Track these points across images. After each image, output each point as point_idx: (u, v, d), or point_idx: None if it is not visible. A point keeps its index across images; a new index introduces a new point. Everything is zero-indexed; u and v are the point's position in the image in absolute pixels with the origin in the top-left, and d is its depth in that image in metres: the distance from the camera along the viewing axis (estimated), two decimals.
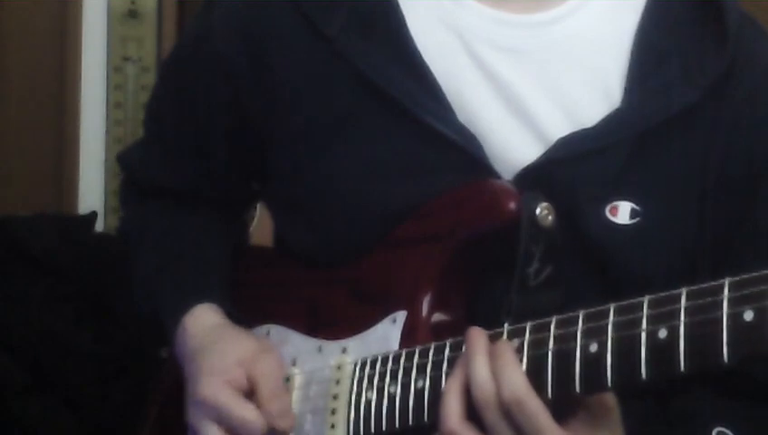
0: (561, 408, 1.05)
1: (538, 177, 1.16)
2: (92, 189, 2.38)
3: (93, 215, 2.17)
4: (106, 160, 2.38)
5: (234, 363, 1.19)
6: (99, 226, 2.19)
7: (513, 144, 1.18)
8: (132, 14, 2.36)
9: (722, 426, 1.15)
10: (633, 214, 1.17)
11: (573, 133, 1.17)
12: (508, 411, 1.03)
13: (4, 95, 2.36)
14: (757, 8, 1.32)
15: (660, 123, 1.17)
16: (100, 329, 1.95)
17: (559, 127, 1.18)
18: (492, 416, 1.03)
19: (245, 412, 1.16)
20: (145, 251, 1.38)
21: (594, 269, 1.17)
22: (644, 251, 1.17)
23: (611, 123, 1.17)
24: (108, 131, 2.38)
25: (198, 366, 1.21)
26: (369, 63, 1.20)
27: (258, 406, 1.17)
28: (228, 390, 1.17)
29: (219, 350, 1.22)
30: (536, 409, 1.02)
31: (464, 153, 1.17)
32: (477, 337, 1.07)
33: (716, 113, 1.19)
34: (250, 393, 1.18)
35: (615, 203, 1.16)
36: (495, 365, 1.04)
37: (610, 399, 1.06)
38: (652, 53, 1.20)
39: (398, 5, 1.22)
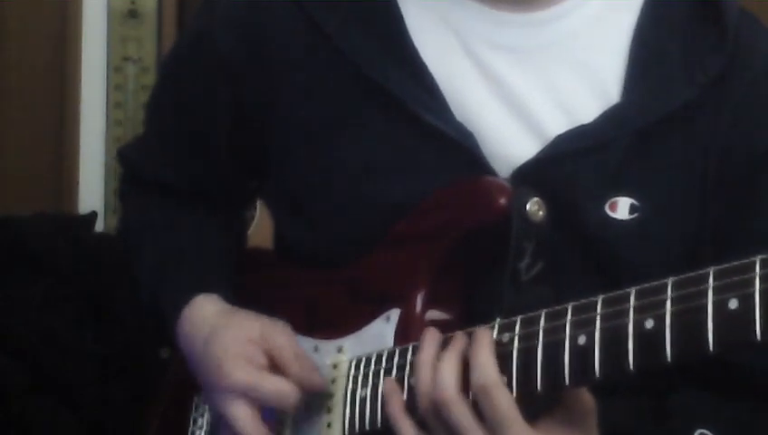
0: (536, 406, 1.05)
1: (536, 174, 1.16)
2: (92, 189, 2.38)
3: (93, 215, 2.17)
4: (106, 160, 2.38)
5: (247, 343, 1.20)
6: (99, 226, 2.19)
7: (511, 142, 1.18)
8: (132, 14, 2.36)
9: (704, 427, 1.15)
10: (632, 209, 1.17)
11: (571, 130, 1.17)
12: (475, 403, 1.04)
13: (4, 95, 2.36)
14: (760, 7, 1.31)
15: (660, 120, 1.17)
16: (100, 329, 1.95)
17: (556, 124, 1.18)
18: (453, 411, 1.04)
19: (276, 383, 1.18)
20: (145, 248, 1.38)
21: (594, 265, 1.17)
22: (644, 246, 1.17)
23: (610, 120, 1.17)
24: (108, 131, 2.38)
25: (215, 353, 1.22)
26: (368, 61, 1.20)
27: (284, 374, 1.18)
28: (252, 368, 1.18)
29: (230, 334, 1.22)
30: (505, 400, 1.03)
31: (461, 151, 1.17)
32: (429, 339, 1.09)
33: (716, 110, 1.19)
34: (270, 367, 1.19)
35: (614, 199, 1.17)
36: (471, 351, 1.05)
37: (589, 400, 1.06)
38: (651, 50, 1.20)
39: (396, 4, 1.22)
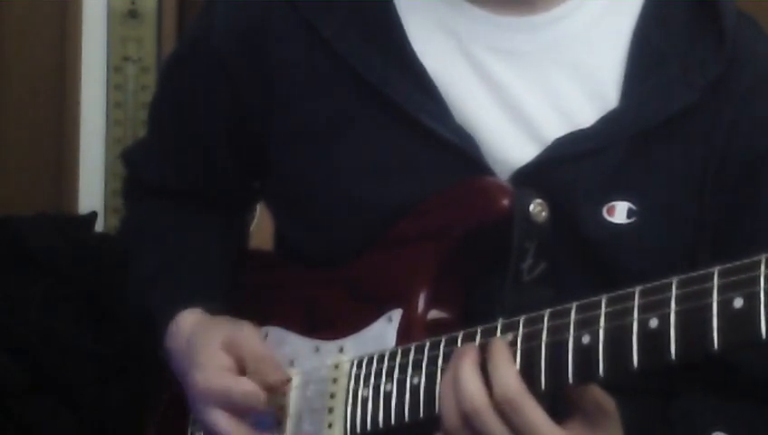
0: (559, 408, 1.05)
1: (534, 177, 1.16)
2: (92, 189, 2.38)
3: (93, 215, 2.16)
4: (106, 160, 2.37)
5: (216, 349, 1.21)
6: (99, 226, 2.18)
7: (510, 145, 1.18)
8: (132, 14, 2.35)
9: (719, 430, 1.15)
10: (630, 213, 1.17)
11: (570, 133, 1.18)
12: (502, 413, 1.03)
13: (4, 95, 2.35)
14: (757, 8, 1.32)
15: (658, 124, 1.17)
16: (100, 329, 1.95)
17: (555, 128, 1.18)
18: (485, 420, 1.04)
19: (242, 386, 1.18)
20: (144, 251, 1.39)
21: (592, 269, 1.17)
22: (641, 250, 1.17)
23: (608, 124, 1.17)
24: (108, 131, 2.38)
25: (189, 364, 1.23)
26: (367, 65, 1.20)
27: (250, 374, 1.19)
28: (220, 373, 1.19)
29: (200, 344, 1.23)
30: (531, 408, 1.03)
31: (461, 154, 1.18)
32: (467, 346, 1.08)
33: (715, 113, 1.19)
34: (242, 371, 1.20)
35: (612, 203, 1.17)
36: (490, 365, 1.05)
37: (609, 402, 1.06)
38: (650, 54, 1.20)
39: (395, 8, 1.22)
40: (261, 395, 1.18)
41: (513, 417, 1.03)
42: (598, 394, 1.06)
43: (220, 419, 1.19)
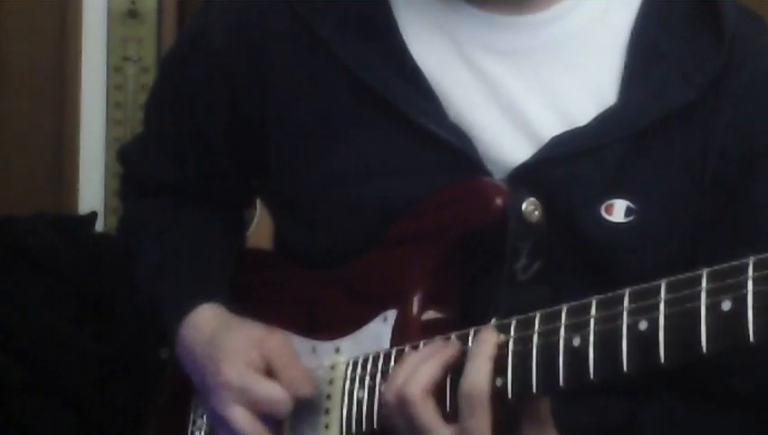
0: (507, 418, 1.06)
1: (532, 175, 1.16)
2: (92, 189, 2.38)
3: (93, 215, 2.17)
4: (106, 160, 2.37)
5: (248, 346, 1.20)
6: (99, 226, 2.19)
7: (506, 144, 1.18)
8: (132, 14, 2.36)
9: None
10: (628, 212, 1.17)
11: (567, 132, 1.17)
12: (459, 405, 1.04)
13: (4, 95, 2.36)
14: (757, 8, 1.31)
15: (656, 121, 1.17)
16: (100, 329, 1.95)
17: (551, 127, 1.18)
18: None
19: (271, 389, 1.18)
20: (145, 248, 1.39)
21: (590, 268, 1.17)
22: (640, 249, 1.17)
23: (606, 122, 1.17)
24: (108, 131, 2.38)
25: (214, 354, 1.22)
26: (363, 65, 1.20)
27: (277, 380, 1.18)
28: (250, 370, 1.19)
29: (232, 337, 1.23)
30: (486, 417, 1.03)
31: (457, 153, 1.17)
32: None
33: (714, 110, 1.19)
34: (266, 372, 1.19)
35: (610, 201, 1.16)
36: (469, 353, 1.06)
37: (544, 411, 1.06)
38: (648, 51, 1.19)
39: (390, 8, 1.22)
40: (288, 403, 1.17)
41: (466, 412, 1.03)
42: (543, 407, 1.07)
43: (240, 413, 1.18)
